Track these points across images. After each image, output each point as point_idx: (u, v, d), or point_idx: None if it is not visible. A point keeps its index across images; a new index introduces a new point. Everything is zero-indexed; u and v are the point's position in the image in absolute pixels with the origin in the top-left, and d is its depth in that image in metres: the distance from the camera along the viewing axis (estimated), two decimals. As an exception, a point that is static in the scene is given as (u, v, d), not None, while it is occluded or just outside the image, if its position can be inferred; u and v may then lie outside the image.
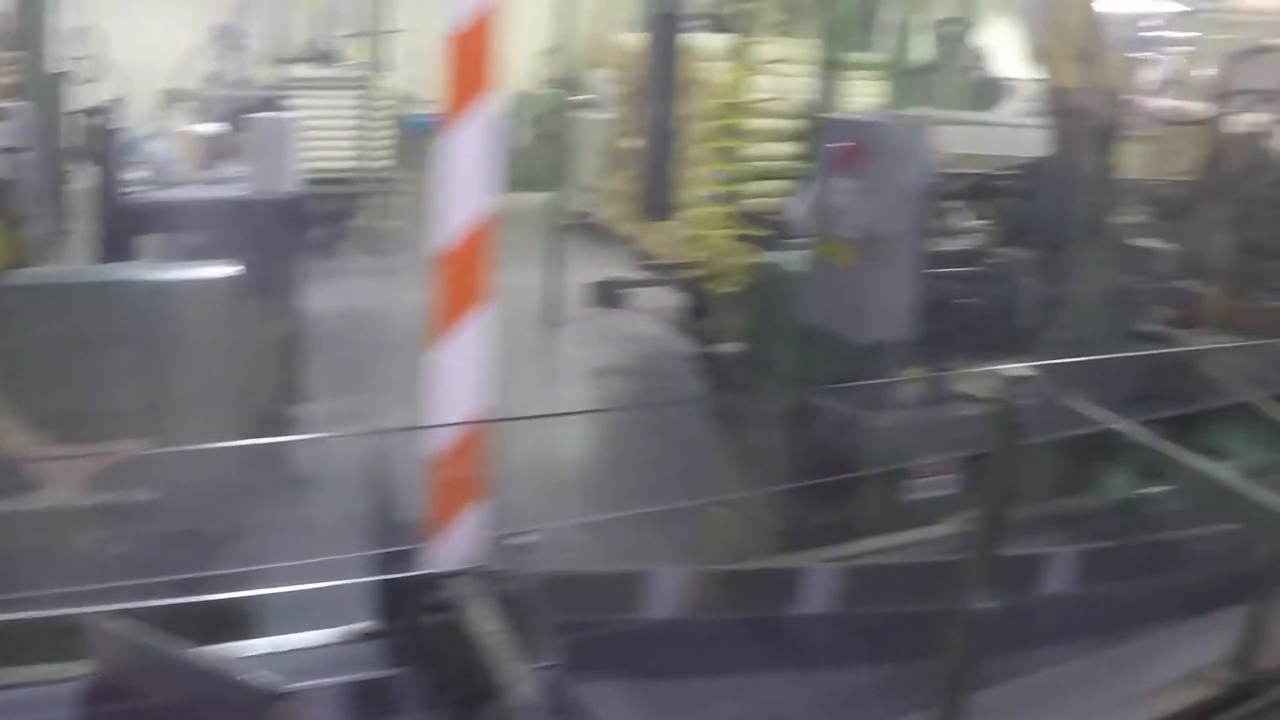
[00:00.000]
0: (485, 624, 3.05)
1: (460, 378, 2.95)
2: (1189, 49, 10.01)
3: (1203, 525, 4.98)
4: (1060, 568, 4.62)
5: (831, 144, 5.25)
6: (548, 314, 9.14)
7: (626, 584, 3.89)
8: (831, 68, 7.62)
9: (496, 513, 3.30)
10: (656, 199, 6.10)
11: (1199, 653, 4.57)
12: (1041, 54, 5.98)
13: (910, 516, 4.87)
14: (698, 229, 6.16)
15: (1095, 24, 5.74)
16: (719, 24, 8.31)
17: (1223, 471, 4.61)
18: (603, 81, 10.95)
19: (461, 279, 2.91)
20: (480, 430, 3.01)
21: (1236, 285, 6.41)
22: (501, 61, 2.89)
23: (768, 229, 6.15)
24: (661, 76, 6.00)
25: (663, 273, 7.60)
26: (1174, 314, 6.09)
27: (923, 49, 8.46)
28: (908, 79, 8.12)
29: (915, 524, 4.80)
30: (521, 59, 12.97)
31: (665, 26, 6.06)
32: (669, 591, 3.90)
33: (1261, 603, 4.47)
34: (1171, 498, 5.02)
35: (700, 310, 6.92)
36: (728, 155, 6.54)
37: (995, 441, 3.33)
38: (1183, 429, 5.99)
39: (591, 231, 10.17)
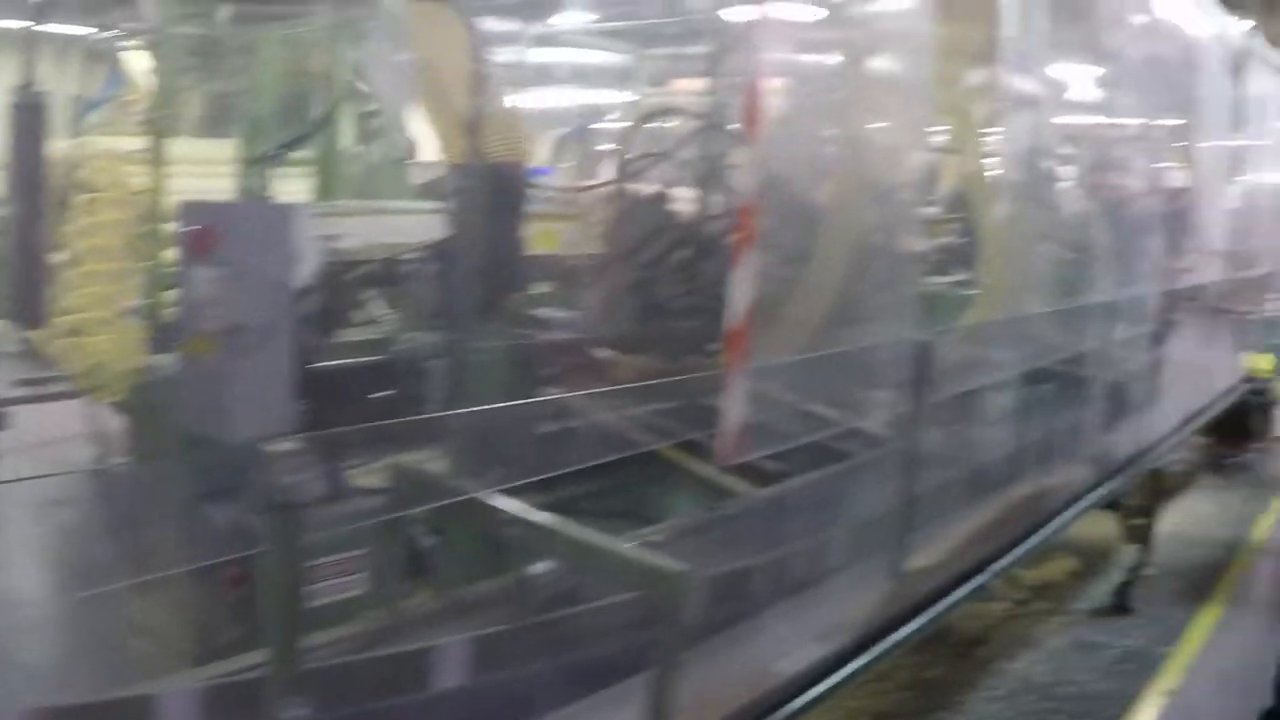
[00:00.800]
0: None
1: None
2: (635, 131, 10.29)
3: (609, 594, 4.88)
4: (447, 660, 4.38)
5: (183, 230, 4.90)
6: (-17, 450, 8.33)
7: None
8: (253, 164, 7.37)
9: None
10: (24, 306, 5.58)
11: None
12: (428, 127, 5.87)
13: (315, 621, 4.52)
14: (77, 336, 5.67)
15: (478, 94, 5.61)
16: (138, 122, 7.90)
17: (597, 537, 4.51)
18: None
19: None
20: None
21: (648, 347, 6.45)
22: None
23: (161, 330, 5.75)
24: (23, 173, 5.50)
25: (50, 386, 7.02)
26: (582, 382, 6.04)
27: (352, 142, 8.31)
28: (334, 171, 7.94)
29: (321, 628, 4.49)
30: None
31: (27, 118, 5.56)
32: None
33: (665, 668, 4.41)
34: (574, 571, 4.90)
35: (105, 422, 6.41)
36: (122, 255, 6.08)
37: (271, 524, 3.04)
38: (624, 498, 5.97)
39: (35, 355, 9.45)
